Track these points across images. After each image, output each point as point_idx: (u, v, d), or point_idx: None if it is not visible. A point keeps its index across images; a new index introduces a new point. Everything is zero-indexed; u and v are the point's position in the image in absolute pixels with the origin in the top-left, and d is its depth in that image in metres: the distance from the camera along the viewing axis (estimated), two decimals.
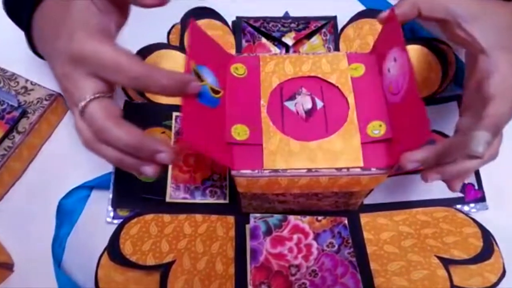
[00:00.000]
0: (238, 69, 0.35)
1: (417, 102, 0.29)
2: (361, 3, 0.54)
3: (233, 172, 0.32)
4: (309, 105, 0.34)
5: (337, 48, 0.49)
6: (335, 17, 0.50)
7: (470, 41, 0.33)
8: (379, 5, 0.52)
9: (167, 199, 0.41)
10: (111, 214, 0.41)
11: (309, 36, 0.49)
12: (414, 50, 0.46)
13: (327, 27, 0.50)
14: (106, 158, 0.30)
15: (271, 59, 0.36)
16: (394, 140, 0.32)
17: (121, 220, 0.40)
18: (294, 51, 0.48)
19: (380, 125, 0.32)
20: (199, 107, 0.31)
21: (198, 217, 0.41)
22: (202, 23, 0.49)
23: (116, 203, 0.41)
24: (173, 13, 0.49)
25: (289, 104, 0.34)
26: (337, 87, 0.35)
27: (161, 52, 0.47)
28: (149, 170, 0.30)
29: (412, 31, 0.50)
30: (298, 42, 0.48)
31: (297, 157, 0.32)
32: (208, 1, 0.50)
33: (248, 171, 0.31)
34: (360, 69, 0.35)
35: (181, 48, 0.47)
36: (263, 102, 0.34)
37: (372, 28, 0.49)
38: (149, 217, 0.40)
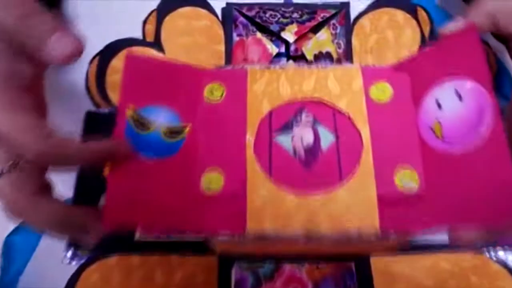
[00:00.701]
0: (214, 92, 0.27)
1: (506, 169, 0.22)
2: None
3: (206, 237, 0.24)
4: (310, 140, 0.26)
5: (348, 44, 0.40)
6: (347, 4, 0.41)
7: None
8: None
9: (136, 237, 0.34)
10: (69, 253, 0.34)
11: (315, 30, 0.40)
12: None
13: (337, 18, 0.40)
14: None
15: (262, 74, 0.28)
16: (432, 199, 0.24)
17: (82, 260, 0.33)
18: (296, 50, 0.39)
19: (412, 175, 0.24)
20: (138, 168, 0.24)
21: (174, 258, 0.33)
22: (184, 11, 0.40)
23: (74, 241, 0.34)
24: None
25: (283, 139, 0.26)
26: (348, 116, 0.26)
27: (132, 51, 0.38)
28: (87, 242, 0.25)
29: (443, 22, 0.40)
30: (301, 37, 0.39)
31: (292, 216, 0.24)
32: None
33: (225, 236, 0.24)
34: (386, 91, 0.26)
35: (156, 44, 0.39)
36: (249, 136, 0.26)
37: (392, 20, 0.40)
38: (113, 260, 0.33)
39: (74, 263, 0.34)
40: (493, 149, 0.22)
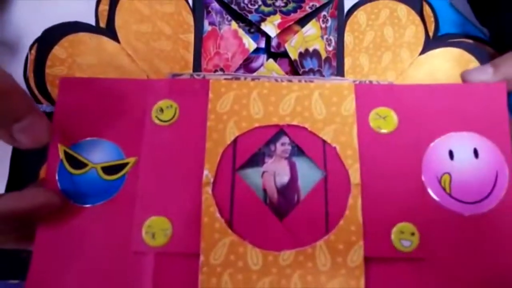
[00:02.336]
0: (164, 112, 0.21)
1: None
2: None
3: None
4: (285, 178, 0.21)
5: (340, 42, 0.34)
6: None
7: None
8: None
9: None
10: None
11: (302, 22, 0.34)
12: (449, 56, 0.32)
13: (328, 9, 0.34)
14: None
15: (229, 88, 0.22)
16: (431, 262, 0.19)
17: None
18: (279, 45, 0.33)
19: (413, 233, 0.19)
20: (70, 220, 0.20)
21: None
22: None
23: None
24: None
25: (251, 176, 0.21)
26: (334, 148, 0.21)
27: (78, 37, 0.31)
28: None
29: (454, 21, 0.35)
30: (284, 31, 0.33)
31: (257, 279, 0.19)
32: None
33: None
34: (390, 121, 0.21)
35: (108, 31, 0.32)
36: (207, 172, 0.20)
37: (393, 16, 0.34)
38: None
39: None
40: (505, 217, 0.19)
